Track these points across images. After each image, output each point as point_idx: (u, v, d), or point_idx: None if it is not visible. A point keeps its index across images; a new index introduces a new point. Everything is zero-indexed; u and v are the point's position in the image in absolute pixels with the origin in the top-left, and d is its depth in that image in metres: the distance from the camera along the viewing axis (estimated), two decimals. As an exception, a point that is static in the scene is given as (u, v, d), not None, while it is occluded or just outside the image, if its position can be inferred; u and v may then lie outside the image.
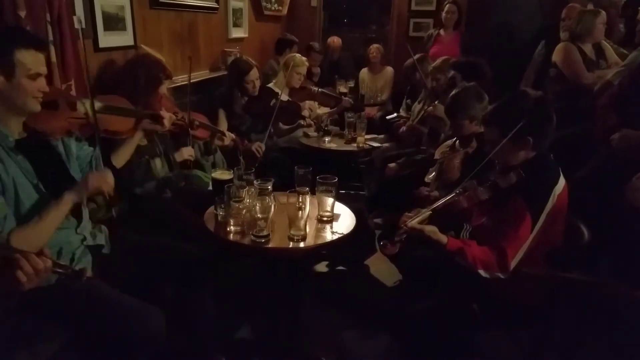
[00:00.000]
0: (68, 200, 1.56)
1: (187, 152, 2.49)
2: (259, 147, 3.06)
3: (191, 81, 2.52)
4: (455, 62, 3.21)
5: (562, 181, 1.80)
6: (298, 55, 3.89)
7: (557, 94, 3.23)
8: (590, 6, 3.77)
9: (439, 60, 3.49)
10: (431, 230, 1.76)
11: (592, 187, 2.41)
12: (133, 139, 1.99)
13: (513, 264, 1.71)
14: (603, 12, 3.32)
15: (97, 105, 1.79)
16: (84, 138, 1.89)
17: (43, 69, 1.57)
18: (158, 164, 2.24)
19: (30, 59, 1.50)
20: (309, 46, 5.01)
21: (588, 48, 3.29)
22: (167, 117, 2.10)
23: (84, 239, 1.73)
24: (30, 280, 1.17)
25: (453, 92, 2.59)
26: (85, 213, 1.78)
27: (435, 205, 1.85)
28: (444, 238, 1.75)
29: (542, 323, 1.74)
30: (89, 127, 1.82)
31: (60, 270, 1.27)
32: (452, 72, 3.09)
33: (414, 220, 1.79)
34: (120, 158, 1.94)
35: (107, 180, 1.66)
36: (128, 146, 1.97)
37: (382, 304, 2.54)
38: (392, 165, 3.16)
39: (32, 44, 1.52)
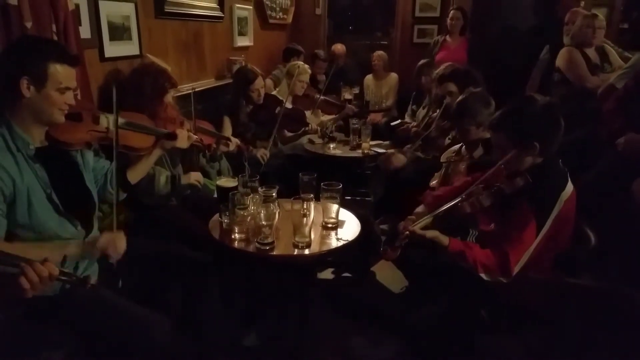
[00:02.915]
0: (68, 250, 1.50)
1: (194, 177, 2.47)
2: (263, 154, 3.07)
3: (197, 89, 2.53)
4: (446, 73, 3.16)
5: (569, 186, 1.79)
6: (301, 63, 3.92)
7: (562, 98, 3.22)
8: (594, 11, 3.77)
9: (441, 67, 3.49)
10: (433, 235, 1.76)
11: (599, 191, 2.40)
12: (151, 157, 1.99)
13: (516, 269, 1.70)
14: (601, 16, 3.32)
15: (120, 120, 1.80)
16: (102, 152, 1.91)
17: (73, 84, 1.59)
18: (162, 180, 2.25)
19: (62, 73, 1.53)
20: (314, 54, 5.04)
21: (591, 52, 3.29)
22: (186, 137, 2.09)
23: None
24: (34, 288, 1.18)
25: (460, 98, 2.58)
26: (95, 224, 1.79)
27: (437, 211, 1.85)
28: (445, 240, 1.76)
29: (550, 328, 1.72)
30: (109, 140, 1.82)
31: (64, 278, 1.27)
32: (446, 83, 3.07)
33: (415, 225, 1.79)
34: (136, 174, 1.94)
35: (116, 245, 1.53)
36: (145, 163, 1.97)
37: (389, 310, 2.52)
38: (399, 155, 3.14)
39: (66, 59, 1.55)
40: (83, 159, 1.79)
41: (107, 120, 1.83)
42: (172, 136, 2.04)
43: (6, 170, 1.46)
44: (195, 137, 2.18)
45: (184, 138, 2.07)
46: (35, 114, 1.54)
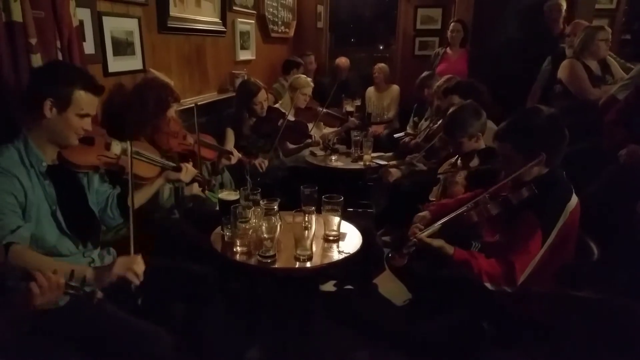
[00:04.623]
0: (86, 275, 1.41)
1: (197, 189, 2.49)
2: (261, 162, 3.08)
3: (200, 103, 2.56)
4: (450, 86, 3.19)
5: (574, 198, 1.81)
6: (303, 76, 3.96)
7: (563, 110, 3.22)
8: (595, 22, 3.79)
9: (442, 80, 3.51)
10: (439, 243, 1.77)
11: (602, 203, 2.39)
12: (153, 185, 2.02)
13: (521, 279, 1.70)
14: (605, 29, 3.31)
15: (129, 149, 1.86)
16: (107, 177, 1.96)
17: (93, 111, 1.67)
18: (166, 193, 2.26)
19: (85, 100, 1.61)
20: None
21: (593, 64, 3.29)
22: (190, 172, 2.13)
23: (92, 261, 1.75)
24: (42, 294, 1.20)
25: (450, 111, 2.60)
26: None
27: (445, 219, 1.85)
28: (450, 249, 1.78)
29: (553, 341, 1.71)
30: (116, 166, 1.89)
31: (72, 292, 1.29)
32: (451, 96, 3.09)
33: (423, 233, 1.80)
34: (137, 201, 1.95)
35: (133, 268, 1.49)
36: (146, 191, 2.00)
37: (392, 323, 2.51)
38: (393, 170, 3.14)
39: (91, 88, 1.62)
40: (89, 181, 1.85)
41: (117, 148, 1.88)
42: (177, 169, 2.09)
43: (20, 181, 1.52)
44: (196, 171, 2.21)
45: (187, 172, 2.11)
46: (52, 135, 1.61)
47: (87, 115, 1.63)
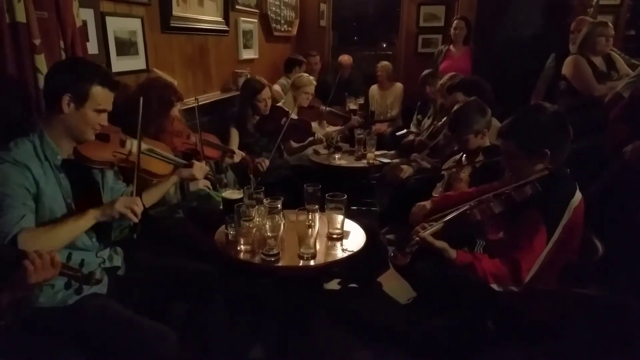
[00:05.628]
0: (90, 216, 1.60)
1: (202, 183, 2.50)
2: (262, 161, 3.09)
3: (202, 102, 2.56)
4: (454, 83, 3.19)
5: (578, 195, 1.80)
6: (305, 75, 3.95)
7: (568, 107, 3.21)
8: (600, 18, 3.76)
9: (446, 77, 3.50)
10: (441, 245, 1.76)
11: (606, 201, 2.38)
12: (167, 183, 2.04)
13: (527, 277, 1.69)
14: (606, 25, 3.29)
15: (143, 147, 1.90)
16: (121, 174, 2.00)
17: (110, 107, 1.70)
18: (172, 189, 2.27)
19: (102, 96, 1.65)
20: (307, 53, 5.20)
21: (598, 60, 3.28)
22: (202, 168, 2.15)
23: (103, 261, 1.77)
24: (37, 272, 1.21)
25: (455, 108, 2.60)
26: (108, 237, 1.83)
27: (448, 217, 1.84)
28: (453, 253, 1.76)
29: (556, 340, 1.70)
30: (130, 164, 1.90)
31: (69, 272, 1.29)
32: (455, 94, 3.08)
33: (426, 232, 1.79)
34: (151, 198, 1.97)
35: (134, 207, 1.65)
36: (160, 188, 2.01)
37: (396, 321, 2.50)
38: (405, 166, 3.14)
39: (108, 84, 1.67)
40: (103, 178, 1.87)
41: (131, 144, 1.90)
42: (190, 166, 2.11)
43: (32, 172, 1.54)
44: (208, 169, 2.23)
45: (199, 169, 2.13)
46: (69, 129, 1.64)
47: (104, 110, 1.67)
